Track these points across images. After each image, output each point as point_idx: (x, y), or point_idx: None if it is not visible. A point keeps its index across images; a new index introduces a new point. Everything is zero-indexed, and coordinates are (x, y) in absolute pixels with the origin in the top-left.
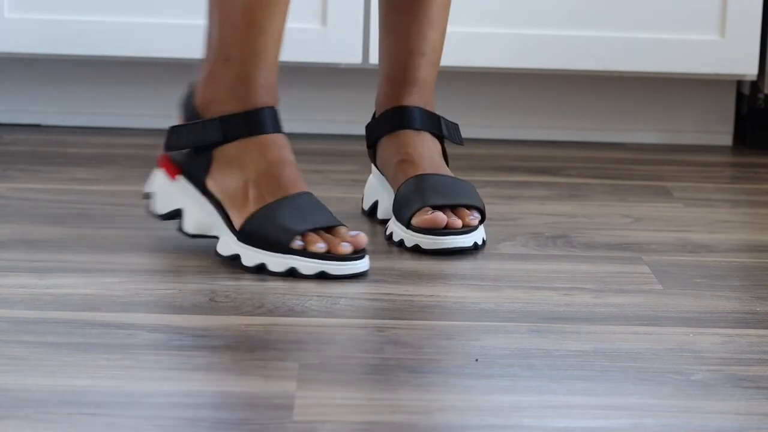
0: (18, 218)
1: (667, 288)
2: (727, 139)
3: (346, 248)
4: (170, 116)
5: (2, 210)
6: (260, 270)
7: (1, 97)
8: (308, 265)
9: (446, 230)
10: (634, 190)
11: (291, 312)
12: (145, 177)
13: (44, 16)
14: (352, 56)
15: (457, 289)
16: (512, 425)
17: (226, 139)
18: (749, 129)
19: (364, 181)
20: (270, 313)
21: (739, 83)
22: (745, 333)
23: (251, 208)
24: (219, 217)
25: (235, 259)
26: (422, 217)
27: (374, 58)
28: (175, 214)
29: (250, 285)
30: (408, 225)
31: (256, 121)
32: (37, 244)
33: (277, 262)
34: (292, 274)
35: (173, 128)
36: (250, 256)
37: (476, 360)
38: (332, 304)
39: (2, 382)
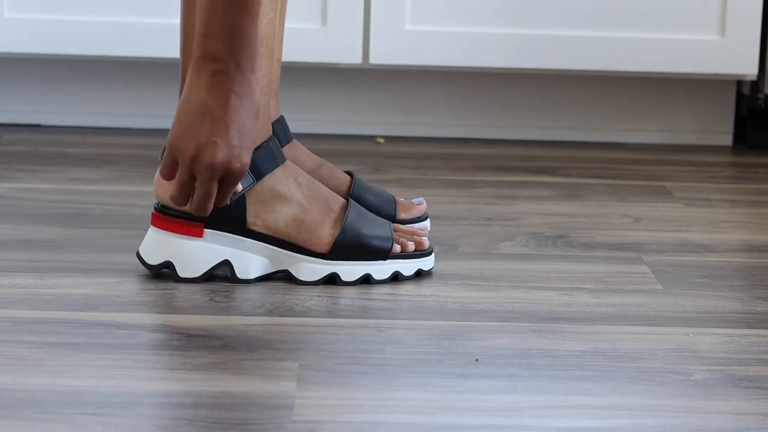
0: (18, 218)
1: (667, 288)
2: (727, 139)
3: (426, 241)
4: (170, 116)
5: (2, 210)
6: (364, 282)
7: (1, 97)
8: (409, 266)
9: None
10: (634, 190)
11: (291, 312)
12: (145, 177)
13: (44, 16)
14: (352, 56)
15: (457, 289)
16: (512, 425)
17: (259, 177)
18: (749, 129)
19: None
20: (270, 313)
21: (739, 83)
22: (745, 333)
23: (329, 227)
24: (281, 250)
25: (331, 279)
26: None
27: (374, 58)
28: (216, 269)
29: (250, 285)
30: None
31: (277, 151)
32: (37, 244)
33: (382, 269)
34: (395, 278)
35: None
36: (351, 271)
37: (476, 360)
38: (332, 304)
39: (2, 382)
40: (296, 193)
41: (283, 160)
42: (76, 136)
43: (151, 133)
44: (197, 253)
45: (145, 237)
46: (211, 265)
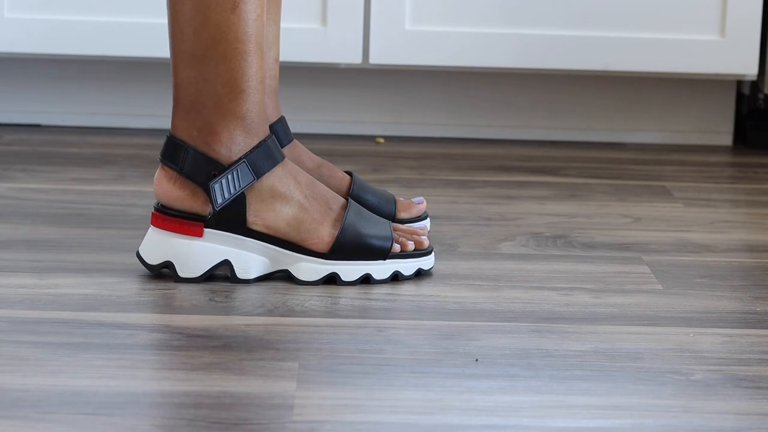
0: (18, 218)
1: (667, 288)
2: (727, 139)
3: (426, 240)
4: (170, 116)
5: (2, 210)
6: (364, 282)
7: (1, 97)
8: (408, 266)
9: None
10: (634, 190)
11: (291, 312)
12: (145, 177)
13: (44, 16)
14: (352, 56)
15: (457, 289)
16: (512, 425)
17: (259, 176)
18: (749, 129)
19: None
20: (270, 313)
21: (739, 83)
22: (745, 333)
23: (328, 226)
24: (281, 250)
25: (331, 279)
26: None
27: (374, 58)
28: (216, 269)
29: (250, 285)
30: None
31: (276, 150)
32: (37, 244)
33: (382, 269)
34: (395, 278)
35: (214, 186)
36: (351, 270)
37: (476, 360)
38: (332, 304)
39: (2, 382)
40: (296, 193)
41: (282, 158)
42: (76, 136)
43: (151, 133)
44: (197, 253)
45: (145, 237)
46: (211, 265)
